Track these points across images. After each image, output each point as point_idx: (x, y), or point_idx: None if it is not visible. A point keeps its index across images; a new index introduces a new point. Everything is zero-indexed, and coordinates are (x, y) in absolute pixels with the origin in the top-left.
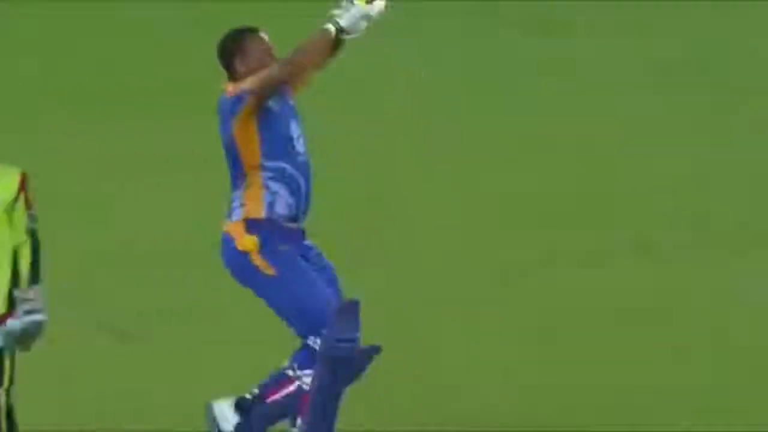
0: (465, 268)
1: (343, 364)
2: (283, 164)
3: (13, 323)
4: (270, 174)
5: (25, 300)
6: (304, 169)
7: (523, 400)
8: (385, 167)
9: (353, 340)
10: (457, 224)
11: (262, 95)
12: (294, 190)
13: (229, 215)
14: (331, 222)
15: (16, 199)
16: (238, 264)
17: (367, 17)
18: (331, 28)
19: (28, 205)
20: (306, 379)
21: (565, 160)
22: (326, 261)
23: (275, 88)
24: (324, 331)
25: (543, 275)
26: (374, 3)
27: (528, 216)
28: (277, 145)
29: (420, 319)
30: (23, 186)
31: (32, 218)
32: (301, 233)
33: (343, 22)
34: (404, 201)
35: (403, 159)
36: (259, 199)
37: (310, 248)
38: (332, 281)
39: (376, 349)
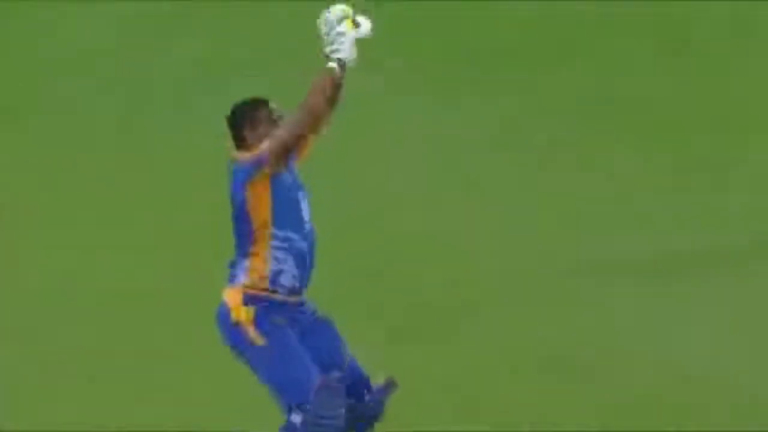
0: None
1: None
2: (291, 234)
3: None
4: (278, 243)
5: None
6: (310, 239)
7: None
8: None
9: (336, 417)
10: None
11: (283, 152)
12: (299, 263)
13: (231, 280)
14: None
15: None
16: (230, 331)
17: (355, 41)
18: (334, 65)
19: None
20: None
21: None
22: (324, 322)
23: (294, 143)
24: (308, 407)
25: None
26: (361, 26)
27: None
28: (287, 212)
29: None
30: None
31: None
32: (300, 304)
33: (342, 55)
34: None
35: None
36: (264, 269)
37: (304, 313)
38: (332, 349)
39: (391, 386)
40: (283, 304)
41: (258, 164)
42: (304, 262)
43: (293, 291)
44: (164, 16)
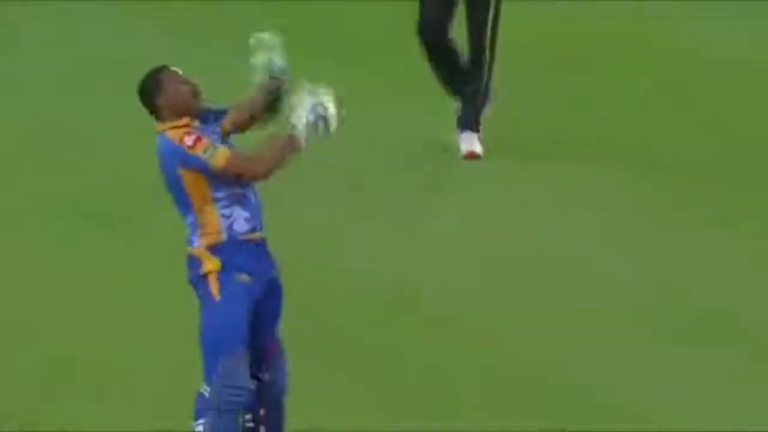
0: None
1: (228, 413)
2: (230, 190)
3: None
4: (223, 203)
5: None
6: (250, 184)
7: None
8: None
9: (242, 388)
10: None
11: (219, 175)
12: (245, 204)
13: (190, 242)
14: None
15: None
16: (199, 282)
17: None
18: (302, 139)
19: None
20: (198, 428)
21: None
22: (276, 288)
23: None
24: (214, 378)
25: None
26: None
27: None
28: (225, 178)
29: None
30: None
31: None
32: (263, 245)
33: (317, 138)
34: None
35: None
36: (216, 226)
37: (267, 266)
38: (268, 321)
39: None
40: (246, 249)
41: (193, 161)
42: (249, 201)
43: (252, 231)
44: None
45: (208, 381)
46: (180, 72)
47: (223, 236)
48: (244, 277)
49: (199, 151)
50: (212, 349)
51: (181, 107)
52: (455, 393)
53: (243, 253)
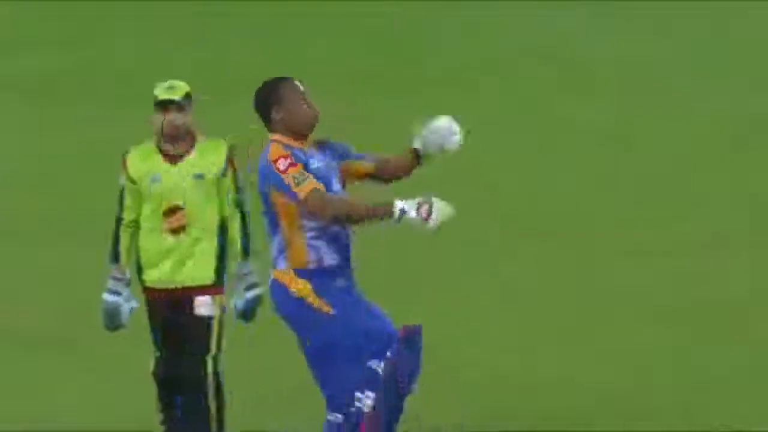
0: None
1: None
2: (321, 222)
3: (238, 302)
4: (312, 234)
5: (243, 275)
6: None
7: None
8: None
9: (410, 376)
10: None
11: (314, 213)
12: (335, 244)
13: (275, 263)
14: None
15: (224, 172)
16: (293, 309)
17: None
18: (396, 214)
19: (235, 177)
20: (368, 401)
21: None
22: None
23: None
24: (388, 355)
25: None
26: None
27: None
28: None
29: None
30: (231, 158)
31: (240, 191)
32: (350, 271)
33: (420, 225)
34: None
35: None
36: (303, 256)
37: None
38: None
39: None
40: (335, 271)
41: (281, 187)
42: (340, 239)
43: (339, 266)
44: None
45: (377, 360)
46: (303, 89)
47: (311, 265)
48: (340, 282)
49: (288, 177)
50: (371, 342)
51: (295, 126)
52: None
53: (332, 275)
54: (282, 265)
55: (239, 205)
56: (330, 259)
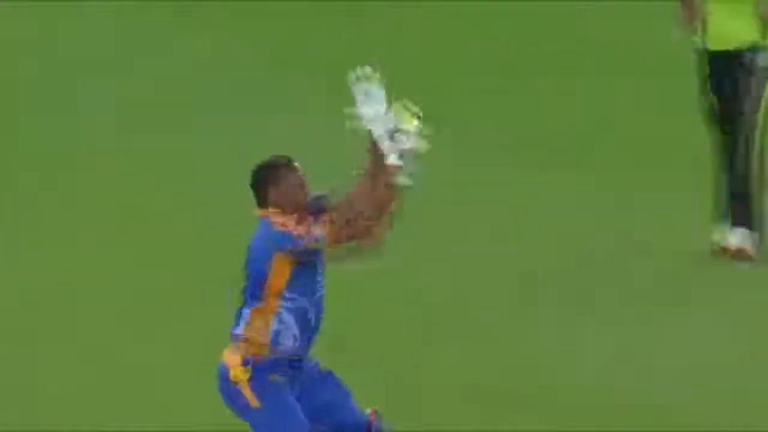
0: None
1: None
2: (300, 298)
3: None
4: (288, 305)
5: None
6: (318, 304)
7: None
8: None
9: None
10: None
11: (338, 242)
12: (302, 324)
13: (233, 330)
14: None
15: None
16: (228, 392)
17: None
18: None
19: None
20: None
21: None
22: (326, 375)
23: (352, 232)
24: None
25: None
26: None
27: None
28: (303, 280)
29: None
30: None
31: None
32: (299, 360)
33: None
34: None
35: None
36: (267, 326)
37: (302, 369)
38: (337, 404)
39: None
40: (280, 361)
41: (294, 241)
42: (309, 326)
43: (293, 351)
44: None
45: None
46: (300, 172)
47: (266, 340)
48: (276, 378)
49: (302, 232)
50: None
51: (290, 208)
52: None
53: (278, 366)
54: (239, 331)
55: None
56: (290, 337)
